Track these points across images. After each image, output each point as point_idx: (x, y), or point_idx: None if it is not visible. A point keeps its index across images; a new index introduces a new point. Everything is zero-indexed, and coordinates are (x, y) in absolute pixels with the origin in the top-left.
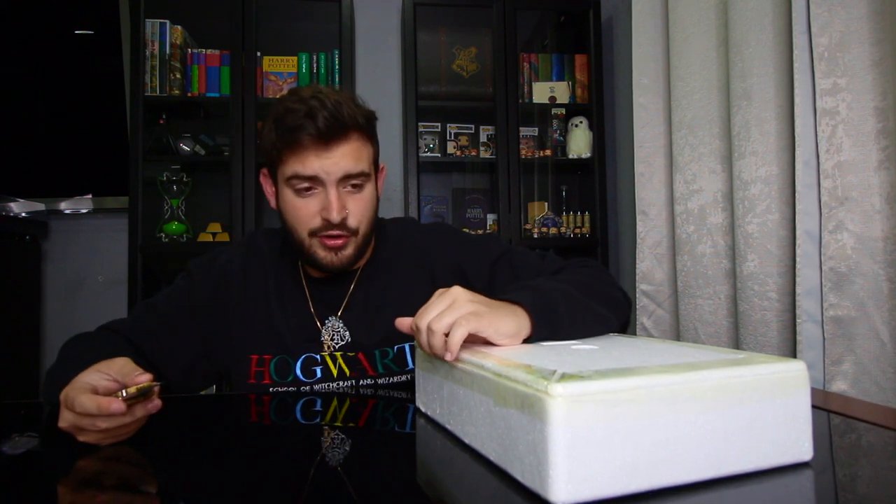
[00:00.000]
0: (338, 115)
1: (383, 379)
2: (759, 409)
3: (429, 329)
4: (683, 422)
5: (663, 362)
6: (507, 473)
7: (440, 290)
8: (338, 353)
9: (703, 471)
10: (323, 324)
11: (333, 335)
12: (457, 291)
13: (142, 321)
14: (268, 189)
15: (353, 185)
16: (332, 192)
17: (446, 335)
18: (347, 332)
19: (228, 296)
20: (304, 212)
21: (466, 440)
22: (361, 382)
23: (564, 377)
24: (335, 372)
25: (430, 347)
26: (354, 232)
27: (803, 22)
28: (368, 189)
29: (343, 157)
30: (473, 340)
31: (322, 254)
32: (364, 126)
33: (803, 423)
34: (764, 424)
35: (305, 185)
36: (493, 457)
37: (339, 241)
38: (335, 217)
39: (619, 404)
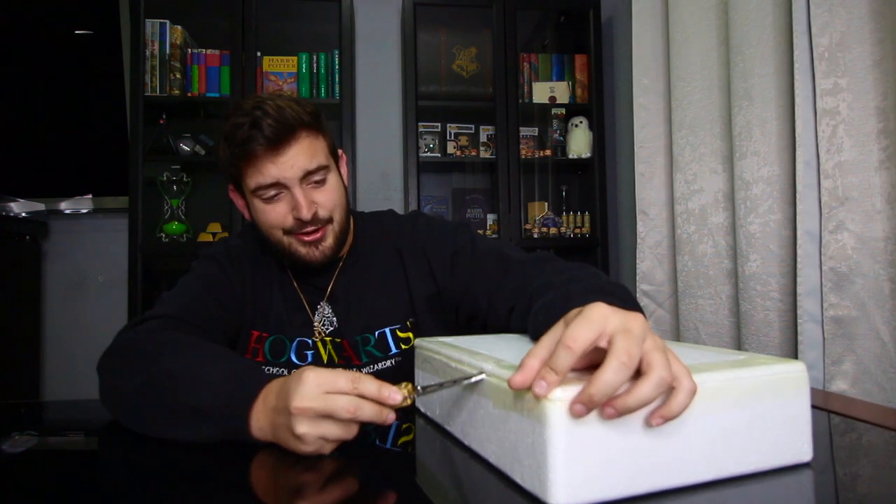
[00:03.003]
0: (282, 120)
1: (367, 368)
2: (760, 411)
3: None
4: (683, 424)
5: None
6: (506, 475)
7: (652, 340)
8: (327, 339)
9: (703, 473)
10: (314, 310)
11: (323, 321)
12: (658, 340)
13: (192, 303)
14: (239, 203)
15: (316, 181)
16: (297, 192)
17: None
18: (335, 319)
19: (243, 274)
20: (274, 214)
21: (466, 441)
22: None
23: (564, 380)
24: (325, 357)
25: (682, 410)
26: (329, 220)
27: (804, 22)
28: (332, 179)
29: (297, 157)
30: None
31: (303, 250)
32: (310, 123)
33: (803, 424)
34: (764, 425)
35: (271, 192)
36: (492, 459)
37: (318, 234)
38: (305, 215)
39: None
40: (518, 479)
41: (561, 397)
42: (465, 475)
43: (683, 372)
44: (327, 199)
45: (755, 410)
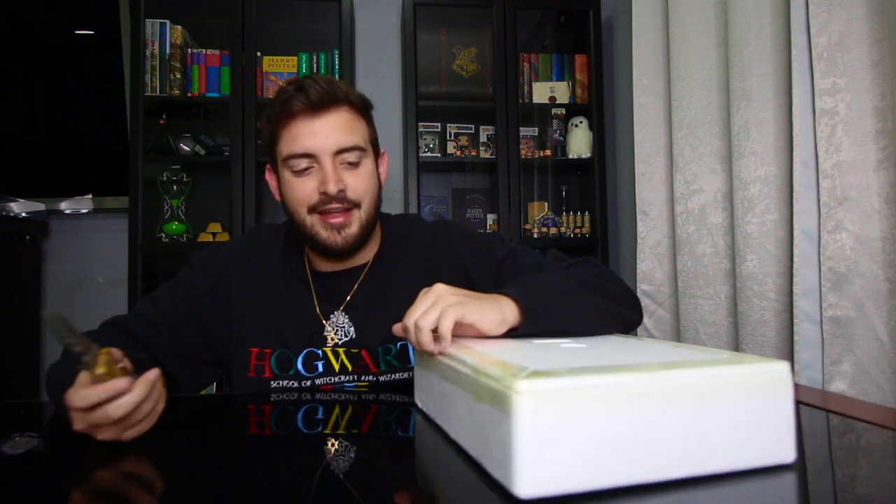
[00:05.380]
0: (329, 89)
1: (385, 376)
2: (738, 410)
3: (416, 327)
4: (652, 420)
5: (643, 361)
6: (482, 468)
7: (424, 290)
8: (340, 349)
9: (675, 469)
10: (327, 318)
11: (337, 330)
12: (439, 288)
13: (144, 315)
14: (272, 183)
15: (350, 162)
16: (326, 164)
17: (434, 332)
18: (352, 329)
19: (230, 288)
20: (301, 189)
21: (452, 435)
22: (363, 378)
23: (533, 374)
24: (337, 366)
25: (419, 345)
26: (356, 204)
27: (802, 22)
28: (366, 165)
29: (333, 129)
30: (464, 334)
31: (324, 234)
32: (356, 104)
33: (786, 425)
34: (743, 424)
35: (302, 164)
36: (472, 451)
37: (341, 218)
38: (332, 188)
39: (585, 401)
40: (490, 470)
41: (528, 390)
42: (445, 468)
43: (416, 314)
44: (358, 183)
45: (733, 409)
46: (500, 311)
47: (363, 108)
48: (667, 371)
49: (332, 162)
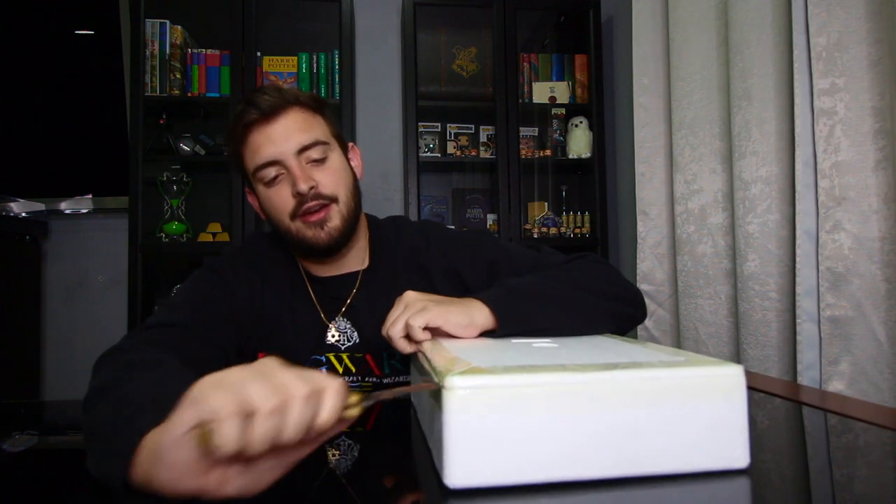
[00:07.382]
0: (277, 95)
1: (388, 379)
2: (685, 412)
3: (388, 336)
4: (588, 419)
5: (593, 361)
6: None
7: (397, 298)
8: (344, 355)
9: (612, 468)
10: (329, 324)
11: (340, 336)
12: (408, 296)
13: (195, 314)
14: (255, 204)
15: (316, 159)
16: (293, 165)
17: (408, 337)
18: (356, 333)
19: (252, 289)
20: (278, 198)
21: (423, 428)
22: (366, 380)
23: (469, 371)
24: (340, 370)
25: (399, 350)
26: (333, 199)
27: (802, 22)
28: (334, 159)
29: (290, 130)
30: (440, 336)
31: (309, 233)
32: (308, 102)
33: (738, 429)
34: (690, 427)
35: (272, 173)
36: (429, 443)
37: (321, 214)
38: (303, 187)
39: (515, 399)
40: (435, 461)
41: (458, 386)
42: (407, 459)
43: (387, 324)
44: (329, 178)
45: (680, 411)
46: (467, 314)
47: (316, 107)
48: (603, 372)
49: (298, 162)
